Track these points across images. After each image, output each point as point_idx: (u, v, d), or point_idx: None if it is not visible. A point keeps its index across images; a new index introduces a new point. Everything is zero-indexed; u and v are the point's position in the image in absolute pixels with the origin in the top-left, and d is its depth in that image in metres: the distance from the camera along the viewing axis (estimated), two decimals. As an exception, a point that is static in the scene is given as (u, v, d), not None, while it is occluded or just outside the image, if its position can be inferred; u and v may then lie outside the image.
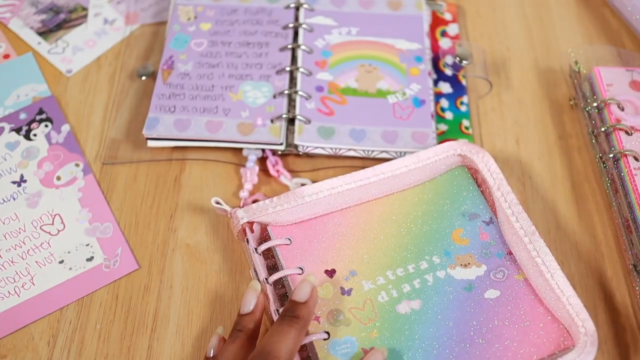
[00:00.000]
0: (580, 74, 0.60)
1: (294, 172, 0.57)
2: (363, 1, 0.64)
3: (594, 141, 0.57)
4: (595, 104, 0.57)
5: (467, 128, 0.59)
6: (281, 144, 0.56)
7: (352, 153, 0.56)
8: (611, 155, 0.54)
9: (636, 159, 0.53)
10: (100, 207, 0.56)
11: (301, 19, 0.62)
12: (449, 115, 0.60)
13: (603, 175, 0.55)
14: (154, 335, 0.50)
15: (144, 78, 0.62)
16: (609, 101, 0.56)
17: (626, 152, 0.53)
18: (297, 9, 0.63)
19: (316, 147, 0.56)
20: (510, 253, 0.49)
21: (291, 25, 0.62)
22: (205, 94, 0.58)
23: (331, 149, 0.56)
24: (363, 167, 0.53)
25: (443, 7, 0.66)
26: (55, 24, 0.68)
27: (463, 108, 0.60)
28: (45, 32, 0.67)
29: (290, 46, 0.61)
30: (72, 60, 0.65)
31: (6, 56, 0.65)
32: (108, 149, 0.59)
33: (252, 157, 0.57)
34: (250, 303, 0.46)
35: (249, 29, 0.62)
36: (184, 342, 0.49)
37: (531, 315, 0.46)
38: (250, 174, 0.56)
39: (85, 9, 0.69)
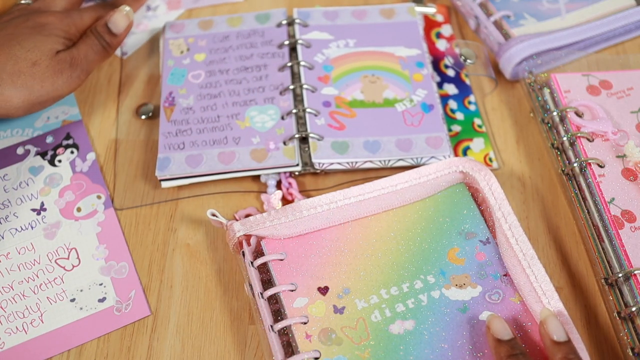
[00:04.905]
0: (536, 82, 0.59)
1: (314, 192, 0.56)
2: (356, 12, 0.63)
3: (557, 151, 0.56)
4: (555, 113, 0.56)
5: (479, 126, 0.59)
6: (297, 164, 0.55)
7: (369, 165, 0.55)
8: (576, 165, 0.53)
9: (600, 165, 0.52)
10: (118, 245, 0.54)
11: (297, 35, 0.61)
12: (459, 115, 0.60)
13: (572, 185, 0.54)
14: (154, 335, 0.50)
15: (143, 117, 0.60)
16: (567, 109, 0.55)
17: (589, 161, 0.52)
18: (289, 25, 0.63)
19: (332, 163, 0.55)
20: (506, 274, 0.48)
21: (286, 42, 0.61)
22: (212, 125, 0.57)
23: (348, 163, 0.55)
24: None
25: (434, 9, 0.66)
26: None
27: (472, 107, 0.61)
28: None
29: (289, 64, 0.60)
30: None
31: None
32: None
33: (272, 182, 0.56)
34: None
35: (244, 53, 0.61)
36: (184, 342, 0.49)
37: (527, 339, 0.45)
38: (274, 198, 0.53)
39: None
